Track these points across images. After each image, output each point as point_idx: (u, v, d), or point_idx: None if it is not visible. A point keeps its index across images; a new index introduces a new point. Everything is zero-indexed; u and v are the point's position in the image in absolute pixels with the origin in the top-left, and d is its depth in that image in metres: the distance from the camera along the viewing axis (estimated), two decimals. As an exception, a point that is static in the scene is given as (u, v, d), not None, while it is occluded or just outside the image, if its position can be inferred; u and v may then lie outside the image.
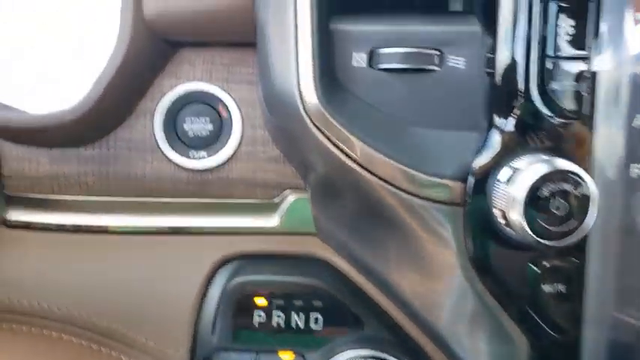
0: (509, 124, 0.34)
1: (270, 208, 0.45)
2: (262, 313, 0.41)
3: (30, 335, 0.43)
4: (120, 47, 0.42)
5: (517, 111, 0.34)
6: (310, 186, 0.43)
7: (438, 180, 0.34)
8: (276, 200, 0.45)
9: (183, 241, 0.44)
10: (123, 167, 0.45)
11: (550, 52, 0.33)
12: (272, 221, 0.45)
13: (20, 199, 0.46)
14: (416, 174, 0.35)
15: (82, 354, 0.42)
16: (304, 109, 0.36)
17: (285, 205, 0.45)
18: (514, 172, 0.32)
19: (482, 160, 0.34)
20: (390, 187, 0.36)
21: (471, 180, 0.34)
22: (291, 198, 0.45)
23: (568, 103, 0.33)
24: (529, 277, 0.35)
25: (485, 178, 0.34)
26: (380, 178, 0.36)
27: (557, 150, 0.33)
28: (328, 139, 0.36)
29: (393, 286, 0.40)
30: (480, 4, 0.36)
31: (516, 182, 0.31)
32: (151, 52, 0.43)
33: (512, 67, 0.34)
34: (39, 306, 0.43)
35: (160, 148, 0.44)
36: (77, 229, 0.46)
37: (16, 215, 0.46)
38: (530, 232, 0.31)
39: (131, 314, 0.42)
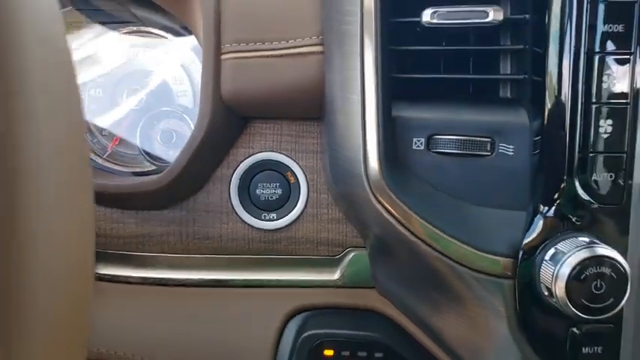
0: (551, 210, 0.39)
1: (332, 263, 0.50)
2: (330, 363, 0.47)
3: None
4: (201, 123, 0.47)
5: (558, 198, 0.39)
6: (369, 245, 0.49)
7: (491, 256, 0.39)
8: (338, 257, 0.50)
9: (254, 294, 0.50)
10: (201, 228, 0.50)
11: (592, 148, 0.38)
12: (334, 276, 0.50)
13: (107, 255, 0.52)
14: (470, 250, 0.40)
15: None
16: (368, 182, 0.41)
17: (345, 261, 0.50)
18: (560, 254, 0.37)
19: (529, 240, 0.39)
20: (445, 259, 0.41)
21: (520, 257, 0.39)
22: (351, 255, 0.50)
23: (607, 190, 0.38)
24: (570, 340, 0.40)
25: (532, 255, 0.39)
26: (436, 250, 0.41)
27: (596, 231, 0.38)
28: (387, 210, 0.41)
29: (446, 340, 0.45)
30: (529, 93, 0.41)
31: (561, 263, 0.36)
32: (227, 126, 0.49)
33: (557, 156, 0.39)
34: (124, 356, 0.48)
35: (235, 210, 0.50)
36: (158, 283, 0.51)
37: (104, 269, 0.52)
38: (572, 308, 0.36)
39: (210, 362, 0.48)
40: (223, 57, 0.47)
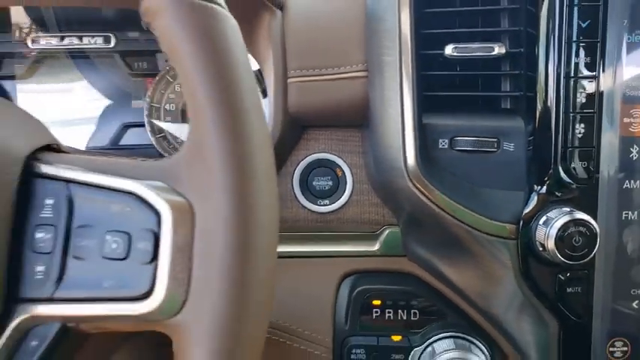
0: (543, 189, 0.54)
1: (372, 238, 0.64)
2: (378, 310, 0.61)
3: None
4: (274, 130, 0.61)
5: (547, 180, 0.54)
6: (401, 222, 0.63)
7: (499, 223, 0.54)
8: (377, 232, 0.64)
9: (314, 262, 0.64)
10: (272, 212, 0.64)
11: (570, 144, 0.53)
12: (374, 247, 0.64)
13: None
14: (484, 219, 0.54)
15: (270, 344, 0.62)
16: (407, 172, 0.55)
17: (383, 236, 0.64)
18: (550, 219, 0.52)
19: (527, 211, 0.54)
20: (465, 226, 0.55)
21: (521, 223, 0.54)
22: (387, 231, 0.64)
23: (581, 174, 0.53)
24: (558, 283, 0.55)
25: (529, 222, 0.54)
26: (458, 220, 0.55)
27: (575, 202, 0.53)
28: (422, 192, 0.55)
29: (463, 289, 0.59)
30: (524, 105, 0.55)
31: (551, 226, 0.51)
32: (291, 133, 0.63)
33: (545, 150, 0.54)
34: None
35: (297, 198, 0.64)
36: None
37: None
38: (559, 256, 0.51)
39: (294, 314, 0.62)
40: (289, 80, 0.61)
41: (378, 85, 0.58)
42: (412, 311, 0.61)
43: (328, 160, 0.64)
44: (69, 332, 0.36)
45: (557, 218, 0.51)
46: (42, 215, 0.36)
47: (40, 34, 0.75)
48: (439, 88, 0.58)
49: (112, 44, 0.75)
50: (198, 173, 0.35)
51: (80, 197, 0.36)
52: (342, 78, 0.60)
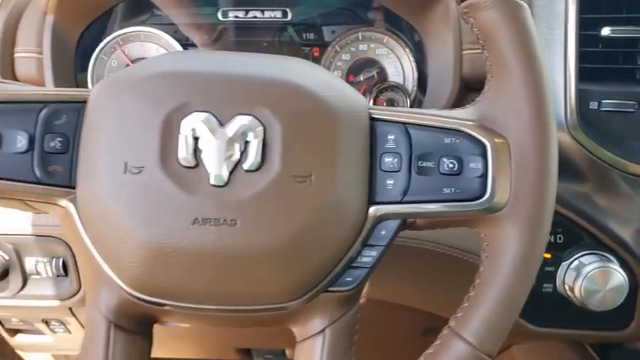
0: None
1: None
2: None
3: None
4: (452, 93, 0.77)
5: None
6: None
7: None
8: None
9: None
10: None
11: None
12: None
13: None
14: (627, 162, 0.72)
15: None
16: (567, 126, 0.72)
17: None
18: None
19: (662, 157, 0.72)
20: (611, 168, 0.73)
21: (658, 167, 0.72)
22: None
23: None
24: (680, 211, 0.73)
25: (665, 166, 0.72)
26: (605, 163, 0.73)
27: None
28: (576, 141, 0.72)
29: (598, 221, 0.77)
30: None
31: (685, 167, 0.69)
32: (462, 95, 0.78)
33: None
34: None
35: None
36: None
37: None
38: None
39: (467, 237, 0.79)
40: (464, 52, 0.77)
41: (542, 58, 0.74)
42: (557, 236, 0.78)
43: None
44: (407, 225, 0.52)
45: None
46: (386, 146, 0.52)
47: (229, 7, 0.89)
48: (588, 62, 0.75)
49: (289, 17, 0.89)
50: (507, 116, 0.51)
51: (415, 134, 0.52)
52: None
